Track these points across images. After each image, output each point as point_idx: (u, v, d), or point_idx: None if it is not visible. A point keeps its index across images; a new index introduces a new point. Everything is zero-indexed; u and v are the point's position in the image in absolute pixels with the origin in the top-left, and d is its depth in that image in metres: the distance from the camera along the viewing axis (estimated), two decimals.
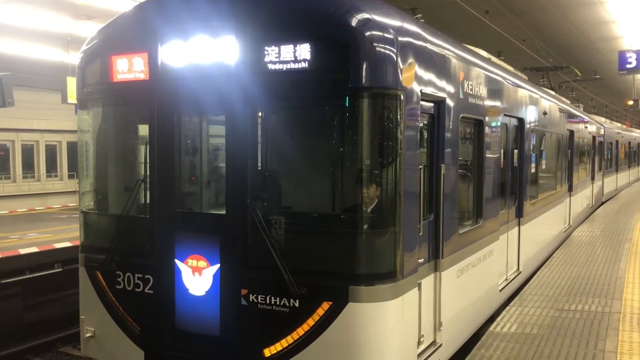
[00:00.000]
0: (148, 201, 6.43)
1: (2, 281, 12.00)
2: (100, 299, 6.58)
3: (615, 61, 25.33)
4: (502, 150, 9.25)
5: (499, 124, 8.81)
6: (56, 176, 35.86)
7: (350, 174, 5.62)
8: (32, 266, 12.56)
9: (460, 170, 7.37)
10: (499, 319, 8.59)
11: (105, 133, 6.93)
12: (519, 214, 10.47)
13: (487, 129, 8.15)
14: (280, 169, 6.40)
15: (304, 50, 5.37)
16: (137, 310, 6.36)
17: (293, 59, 5.41)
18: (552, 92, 16.30)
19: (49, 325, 12.58)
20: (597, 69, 31.79)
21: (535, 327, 8.09)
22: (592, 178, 21.24)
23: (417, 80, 5.84)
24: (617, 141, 29.12)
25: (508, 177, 9.86)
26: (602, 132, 23.82)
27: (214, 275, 5.89)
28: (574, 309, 8.97)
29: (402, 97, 5.48)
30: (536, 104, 11.63)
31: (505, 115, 9.23)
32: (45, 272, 12.66)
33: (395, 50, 5.42)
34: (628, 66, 24.04)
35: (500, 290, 9.22)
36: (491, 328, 8.15)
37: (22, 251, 12.70)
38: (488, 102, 8.22)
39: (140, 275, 6.31)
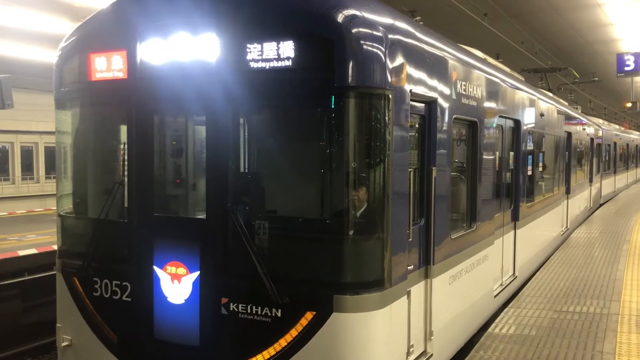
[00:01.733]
0: (126, 205, 6.14)
1: (1, 283, 11.96)
2: (77, 306, 6.29)
3: (614, 63, 25.33)
4: (497, 153, 8.99)
5: (494, 125, 8.55)
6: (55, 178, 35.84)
7: (335, 177, 5.35)
8: (30, 268, 12.52)
9: (453, 173, 7.10)
10: (497, 320, 8.48)
11: (84, 134, 6.64)
12: (515, 217, 10.18)
13: (481, 131, 7.86)
14: (263, 172, 6.11)
15: (288, 48, 5.10)
16: (114, 318, 6.07)
17: (276, 56, 5.14)
18: (550, 94, 16.07)
19: (47, 327, 12.54)
20: (596, 71, 31.78)
21: (533, 329, 8.03)
22: (590, 180, 20.99)
23: (406, 79, 5.57)
24: (615, 143, 28.91)
25: (504, 180, 9.58)
26: (600, 133, 23.60)
27: (194, 283, 5.61)
28: (573, 311, 8.90)
29: (390, 97, 5.22)
30: (533, 106, 11.36)
31: (500, 116, 8.97)
32: (44, 274, 12.53)
33: (383, 48, 5.15)
34: (626, 68, 24.05)
35: (495, 296, 8.94)
36: (490, 329, 8.06)
37: (21, 253, 12.66)
38: (482, 103, 7.95)
39: (118, 282, 6.02)
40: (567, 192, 16.05)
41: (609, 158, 27.16)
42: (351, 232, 5.11)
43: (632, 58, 23.83)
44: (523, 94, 10.61)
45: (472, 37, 20.80)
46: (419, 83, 5.89)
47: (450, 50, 6.98)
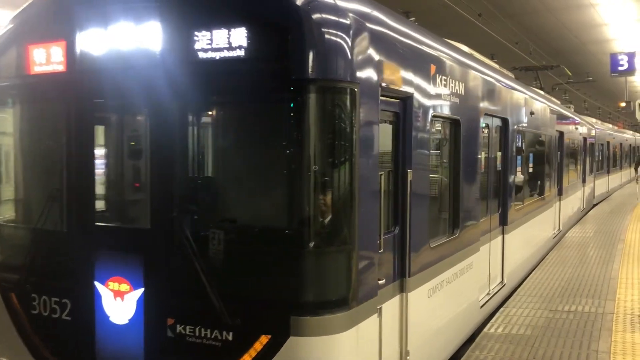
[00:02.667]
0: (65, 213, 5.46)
1: None
2: (14, 325, 5.61)
3: (607, 63, 25.42)
4: (483, 153, 8.35)
5: (479, 124, 7.89)
6: None
7: (294, 182, 4.63)
8: None
9: (433, 176, 6.49)
10: (493, 320, 8.30)
11: (22, 134, 5.98)
12: (503, 221, 9.49)
13: (464, 130, 7.17)
14: (213, 176, 5.43)
15: (240, 36, 4.46)
16: (53, 339, 5.41)
17: (227, 45, 4.50)
18: (541, 92, 15.46)
19: None
20: (590, 71, 31.74)
21: (529, 328, 7.92)
22: (583, 180, 20.43)
23: (376, 72, 4.92)
24: (608, 142, 28.42)
25: (490, 182, 8.92)
26: (593, 133, 23.10)
27: (138, 301, 4.96)
28: (568, 310, 8.80)
29: (356, 92, 4.56)
30: (522, 104, 10.71)
31: (487, 114, 8.31)
32: None
33: (348, 37, 4.51)
34: (620, 68, 24.18)
35: (482, 306, 8.25)
36: (485, 329, 7.89)
37: None
38: (466, 100, 7.26)
39: (57, 299, 5.35)
40: (559, 193, 15.47)
41: (602, 158, 26.64)
42: (311, 245, 4.46)
43: (625, 58, 23.99)
44: (512, 91, 9.99)
45: (467, 37, 20.70)
46: (391, 77, 5.24)
47: (428, 42, 6.32)
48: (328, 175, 4.51)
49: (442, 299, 6.64)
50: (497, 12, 20.31)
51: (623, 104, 36.58)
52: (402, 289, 5.65)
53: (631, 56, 23.92)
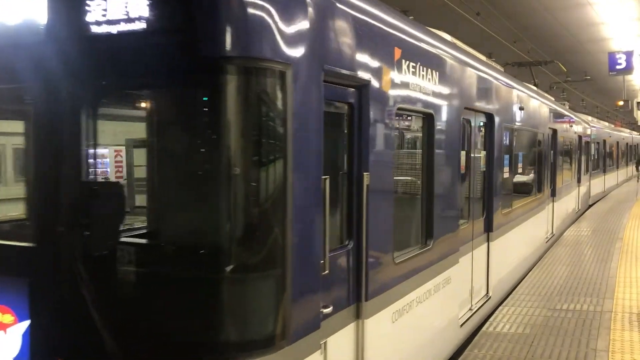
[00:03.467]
0: None
1: None
2: None
3: (605, 62, 25.38)
4: (463, 153, 7.39)
5: (458, 119, 6.92)
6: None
7: (209, 190, 3.65)
8: None
9: (401, 178, 5.68)
10: (491, 319, 8.13)
11: None
12: (488, 227, 8.55)
13: (439, 126, 6.24)
14: (109, 181, 4.52)
15: (141, 4, 3.51)
16: None
17: (126, 17, 3.55)
18: (533, 87, 14.43)
19: None
20: (588, 69, 31.71)
21: (527, 327, 7.83)
22: (578, 180, 19.58)
23: (318, 52, 3.95)
24: (604, 141, 27.67)
25: (473, 185, 8.01)
26: (588, 131, 22.37)
27: (23, 336, 4.03)
28: (567, 309, 8.70)
29: (287, 75, 3.59)
30: (511, 99, 9.78)
31: (468, 109, 7.36)
32: None
33: (277, 4, 3.56)
34: (618, 67, 24.07)
35: (462, 324, 7.30)
36: (484, 328, 7.76)
37: None
38: (441, 92, 6.31)
39: None
40: (553, 194, 14.58)
41: (599, 157, 25.90)
42: (228, 268, 3.50)
43: (623, 57, 23.87)
44: (499, 85, 8.99)
45: (465, 36, 20.73)
46: (340, 59, 4.26)
47: (392, 21, 5.27)
48: (252, 180, 3.57)
49: (412, 322, 5.67)
50: (495, 11, 20.19)
51: (621, 103, 36.56)
52: (357, 316, 4.70)
53: (629, 55, 23.77)
